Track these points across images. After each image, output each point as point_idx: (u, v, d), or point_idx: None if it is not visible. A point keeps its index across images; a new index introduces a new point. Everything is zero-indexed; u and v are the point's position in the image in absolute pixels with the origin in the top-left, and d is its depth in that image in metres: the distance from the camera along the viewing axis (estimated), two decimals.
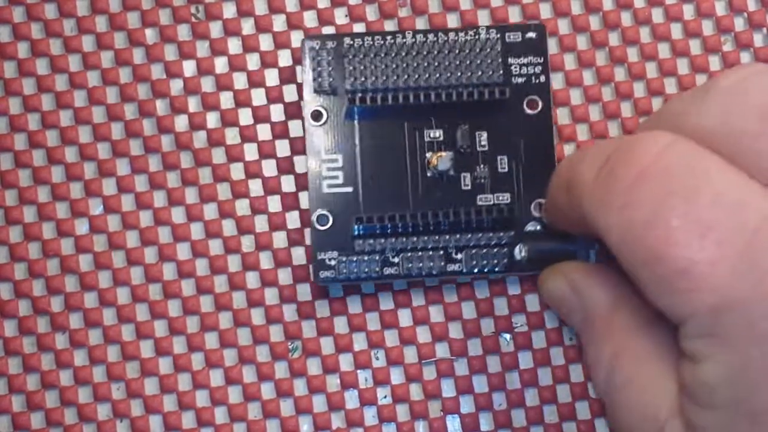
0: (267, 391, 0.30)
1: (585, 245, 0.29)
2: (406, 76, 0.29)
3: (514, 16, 0.31)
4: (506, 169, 0.30)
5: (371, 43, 0.29)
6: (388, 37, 0.29)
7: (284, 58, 0.31)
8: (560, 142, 0.31)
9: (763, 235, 0.21)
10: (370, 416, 0.30)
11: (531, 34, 0.30)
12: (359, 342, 0.31)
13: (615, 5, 0.31)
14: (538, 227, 0.29)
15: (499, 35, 0.29)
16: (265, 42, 0.31)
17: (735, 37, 0.32)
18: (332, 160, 0.29)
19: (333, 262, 0.29)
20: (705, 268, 0.21)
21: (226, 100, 0.31)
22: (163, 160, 0.31)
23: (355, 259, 0.29)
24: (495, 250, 0.29)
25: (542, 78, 0.30)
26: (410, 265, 0.29)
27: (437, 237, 0.29)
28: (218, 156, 0.31)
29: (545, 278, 0.29)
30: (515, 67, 0.30)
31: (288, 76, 0.31)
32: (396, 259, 0.29)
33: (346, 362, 0.31)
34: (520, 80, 0.30)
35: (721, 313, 0.21)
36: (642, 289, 0.22)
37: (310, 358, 0.31)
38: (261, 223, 0.30)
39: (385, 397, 0.30)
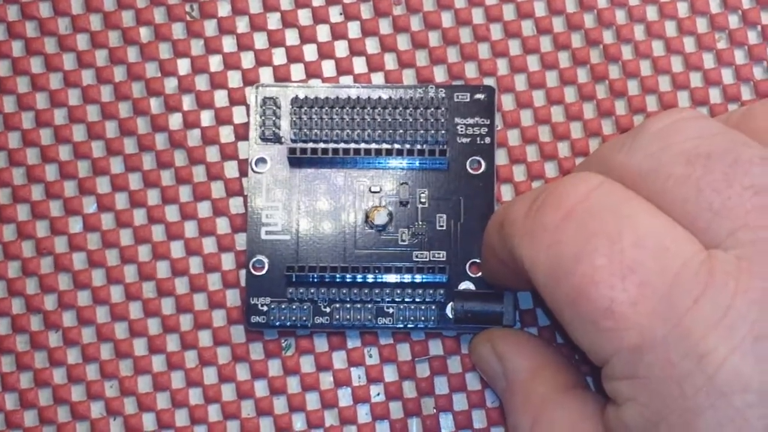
0: (260, 388, 0.30)
1: (513, 307, 0.29)
2: (349, 130, 0.29)
3: (471, 71, 0.31)
4: (444, 227, 0.29)
5: (317, 95, 0.30)
6: (336, 90, 0.30)
7: (279, 56, 0.32)
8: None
9: (683, 279, 0.20)
10: (363, 414, 0.30)
11: (480, 96, 0.30)
12: (352, 340, 0.31)
13: (571, 63, 0.31)
14: (471, 286, 0.29)
15: (446, 95, 0.30)
16: (260, 41, 0.32)
17: (729, 34, 0.32)
18: (272, 207, 0.30)
19: (265, 308, 0.29)
20: (626, 308, 0.21)
21: (220, 98, 0.31)
22: (158, 159, 0.31)
23: (285, 306, 0.29)
24: (426, 306, 0.29)
25: (487, 139, 0.30)
26: (340, 315, 0.29)
27: (370, 290, 0.29)
28: (212, 154, 0.31)
29: (474, 345, 0.29)
30: (461, 127, 0.30)
31: (285, 73, 0.31)
32: (327, 309, 0.29)
33: (339, 360, 0.31)
34: (464, 140, 0.30)
35: (643, 353, 0.21)
36: (567, 329, 0.22)
37: (303, 356, 0.31)
38: None
39: (378, 394, 0.31)
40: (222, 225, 0.31)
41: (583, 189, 0.22)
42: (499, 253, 0.25)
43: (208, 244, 0.31)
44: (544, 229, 0.22)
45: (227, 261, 0.31)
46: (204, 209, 0.31)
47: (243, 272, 0.30)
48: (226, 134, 0.31)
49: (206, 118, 0.31)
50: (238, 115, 0.31)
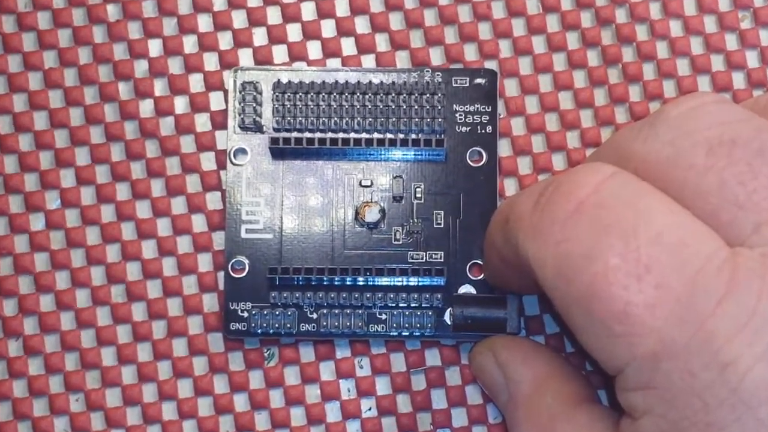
0: (240, 402, 0.30)
1: (517, 313, 0.28)
2: (337, 118, 0.29)
3: (470, 54, 0.30)
4: (442, 225, 0.29)
5: (302, 79, 0.29)
6: (323, 74, 0.29)
7: (260, 37, 0.31)
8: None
9: (704, 279, 0.20)
10: (353, 430, 0.30)
11: (480, 80, 0.29)
12: (341, 349, 0.30)
13: (581, 44, 0.31)
14: (472, 290, 0.29)
15: (444, 79, 0.29)
16: (239, 19, 0.31)
17: (754, 13, 0.31)
18: (253, 203, 0.29)
19: (245, 314, 0.29)
20: (642, 311, 0.20)
21: (195, 83, 0.30)
22: (127, 149, 0.30)
23: (267, 312, 0.28)
24: (423, 312, 0.29)
25: (489, 128, 0.29)
26: (328, 322, 0.28)
27: (361, 294, 0.28)
28: (187, 144, 0.30)
29: (475, 354, 0.28)
30: (460, 115, 0.29)
31: (267, 56, 0.31)
32: (314, 315, 0.29)
33: (327, 371, 0.30)
34: (464, 129, 0.29)
35: (660, 362, 0.20)
36: (577, 335, 0.22)
37: (287, 367, 0.30)
38: None
39: (370, 409, 0.30)
40: (198, 222, 0.30)
41: (594, 180, 0.22)
42: (502, 252, 0.25)
43: (183, 244, 0.30)
44: (552, 224, 0.22)
45: (204, 262, 0.30)
46: (178, 205, 0.30)
47: (221, 274, 0.29)
48: (202, 122, 0.30)
49: (180, 104, 0.30)
50: (215, 101, 0.30)
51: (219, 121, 0.30)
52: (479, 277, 0.29)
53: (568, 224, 0.21)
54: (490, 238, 0.26)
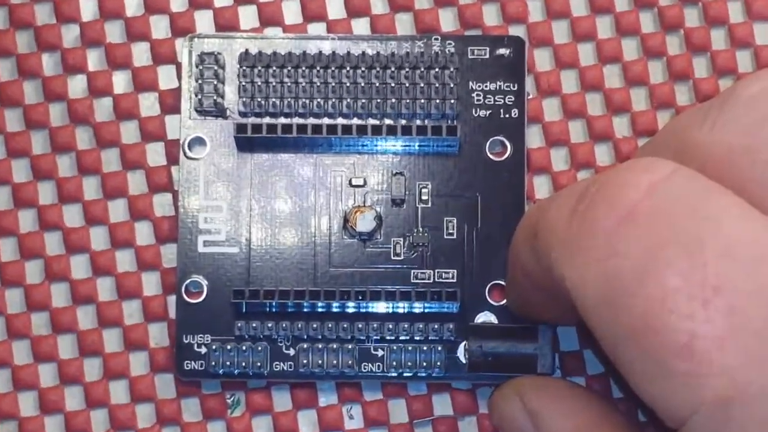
0: None
1: (550, 347, 0.28)
2: (321, 99, 0.28)
3: (491, 17, 0.29)
4: (454, 236, 0.28)
5: (276, 50, 0.28)
6: (303, 43, 0.28)
7: None
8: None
9: None
10: None
11: (503, 51, 0.28)
12: (326, 394, 0.29)
13: (631, 5, 0.29)
14: (493, 319, 0.28)
15: (457, 50, 0.28)
16: None
17: None
18: (213, 208, 0.28)
19: (203, 350, 0.28)
20: (711, 345, 0.19)
21: (140, 54, 0.29)
22: (52, 139, 0.29)
23: (231, 347, 0.27)
24: (430, 347, 0.28)
25: (514, 112, 0.28)
26: (309, 360, 0.27)
27: (351, 325, 0.28)
28: (129, 133, 0.29)
29: (497, 399, 0.27)
30: (478, 95, 0.28)
31: (231, 20, 0.29)
32: (291, 351, 0.28)
33: (307, 422, 0.28)
34: (482, 113, 0.28)
35: (733, 408, 0.19)
36: (626, 376, 0.21)
37: (257, 417, 0.28)
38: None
39: None
40: (143, 232, 0.29)
41: (648, 180, 0.21)
42: (530, 272, 0.24)
43: (123, 260, 0.29)
44: (594, 237, 0.21)
45: (150, 284, 0.29)
46: (117, 210, 0.29)
47: (172, 299, 0.28)
48: (147, 105, 0.29)
49: (120, 82, 0.29)
50: (165, 77, 0.29)
51: (170, 104, 0.29)
52: (502, 303, 0.28)
53: (615, 236, 0.21)
54: (514, 254, 0.25)
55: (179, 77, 0.29)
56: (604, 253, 0.21)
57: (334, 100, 0.28)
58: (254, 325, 0.28)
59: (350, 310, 0.28)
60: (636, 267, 0.20)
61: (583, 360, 0.29)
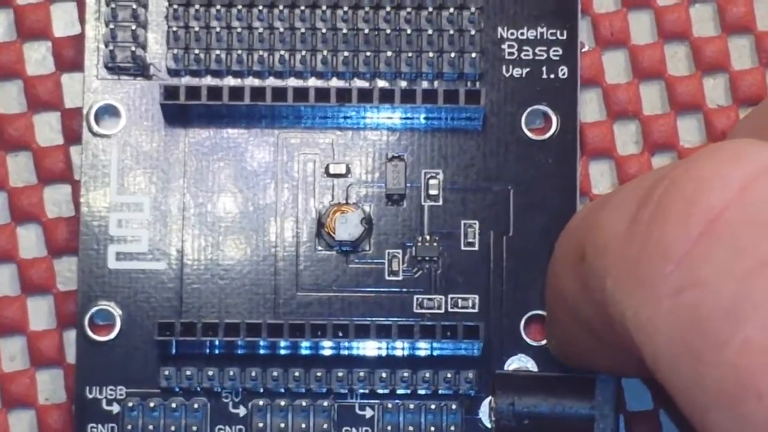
0: None
1: (612, 405, 0.24)
2: (285, 51, 0.24)
3: None
4: (476, 247, 0.24)
5: None
6: None
7: None
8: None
9: None
10: None
11: None
12: None
13: None
14: (530, 365, 0.24)
15: None
16: None
17: None
18: (131, 206, 0.25)
19: (115, 409, 0.24)
20: None
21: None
22: None
23: (155, 405, 0.24)
24: (440, 406, 0.24)
25: (563, 71, 0.25)
26: (267, 424, 0.24)
27: (328, 373, 0.24)
28: (9, 99, 0.25)
29: None
30: (510, 47, 0.25)
31: None
32: (241, 411, 0.24)
33: None
34: (516, 72, 0.25)
35: None
36: None
37: None
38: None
39: None
40: (28, 241, 0.25)
41: (740, 175, 0.17)
42: (578, 307, 0.21)
43: (1, 279, 0.25)
44: (664, 259, 0.17)
45: (39, 313, 0.25)
46: None
47: (70, 335, 0.25)
48: (37, 60, 0.25)
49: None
50: (62, 19, 0.25)
51: (69, 58, 0.26)
52: (542, 343, 0.24)
53: (695, 258, 0.17)
54: (555, 282, 0.22)
55: (82, 20, 0.25)
56: (680, 282, 0.18)
57: (304, 52, 0.24)
58: (188, 372, 0.24)
59: (326, 352, 0.24)
60: (727, 302, 0.17)
61: (658, 423, 0.25)
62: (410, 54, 0.24)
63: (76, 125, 0.25)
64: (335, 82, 0.25)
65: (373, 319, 0.24)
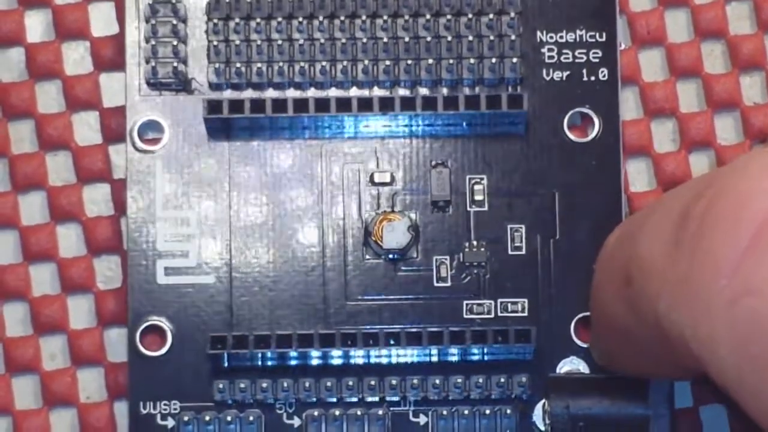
0: None
1: (667, 406, 0.24)
2: (326, 62, 0.24)
3: None
4: (524, 252, 0.25)
5: None
6: None
7: None
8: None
9: None
10: None
11: None
12: None
13: None
14: (582, 367, 0.25)
15: None
16: None
17: None
18: (177, 220, 0.25)
19: (170, 424, 0.24)
20: None
21: None
22: None
23: (210, 418, 0.24)
24: (494, 410, 0.24)
25: (603, 72, 0.25)
26: None
27: (380, 381, 0.24)
28: (48, 106, 0.25)
29: None
30: (550, 50, 0.25)
31: None
32: (295, 421, 0.24)
33: None
34: (557, 75, 0.25)
35: None
36: None
37: None
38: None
39: None
40: (68, 240, 0.25)
41: None
42: (628, 329, 0.21)
43: (43, 281, 0.25)
44: (716, 272, 0.17)
45: (79, 312, 0.25)
46: (28, 217, 0.25)
47: (112, 334, 0.25)
48: (76, 59, 0.25)
49: (35, 32, 0.25)
50: (100, 19, 0.25)
51: (107, 58, 0.25)
52: None
53: (746, 266, 0.18)
54: (600, 307, 0.22)
55: (120, 21, 0.25)
56: (734, 293, 0.18)
57: (345, 62, 0.24)
58: (242, 385, 0.24)
59: (376, 360, 0.24)
60: None
61: (699, 420, 0.25)
62: (451, 61, 0.25)
63: (114, 124, 0.25)
64: (377, 91, 0.25)
65: (423, 326, 0.24)
